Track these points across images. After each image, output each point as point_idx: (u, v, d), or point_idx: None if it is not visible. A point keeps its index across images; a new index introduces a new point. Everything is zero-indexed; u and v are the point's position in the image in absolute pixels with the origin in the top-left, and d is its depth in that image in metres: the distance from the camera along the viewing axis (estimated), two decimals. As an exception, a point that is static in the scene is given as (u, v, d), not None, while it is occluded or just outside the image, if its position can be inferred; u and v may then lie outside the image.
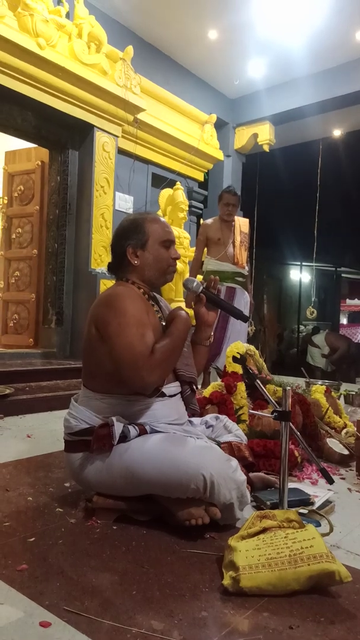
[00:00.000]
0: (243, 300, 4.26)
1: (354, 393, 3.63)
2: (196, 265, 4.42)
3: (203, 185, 6.83)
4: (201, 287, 1.80)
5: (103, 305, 1.66)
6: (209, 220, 4.40)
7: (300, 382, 3.58)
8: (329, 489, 1.95)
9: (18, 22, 3.99)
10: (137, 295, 1.71)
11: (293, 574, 1.21)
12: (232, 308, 1.90)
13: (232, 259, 4.22)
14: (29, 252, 5.07)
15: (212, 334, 1.87)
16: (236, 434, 1.94)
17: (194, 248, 5.88)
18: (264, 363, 3.04)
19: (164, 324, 1.77)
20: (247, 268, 4.31)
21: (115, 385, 1.64)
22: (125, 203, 5.51)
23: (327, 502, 1.84)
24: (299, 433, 1.69)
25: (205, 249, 4.42)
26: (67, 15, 4.49)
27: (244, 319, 1.98)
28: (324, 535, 1.38)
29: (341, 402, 3.34)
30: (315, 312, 7.63)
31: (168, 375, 1.69)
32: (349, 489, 2.10)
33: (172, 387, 1.74)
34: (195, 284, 1.79)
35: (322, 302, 13.70)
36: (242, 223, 4.38)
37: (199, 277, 4.39)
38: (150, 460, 1.53)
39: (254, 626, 1.11)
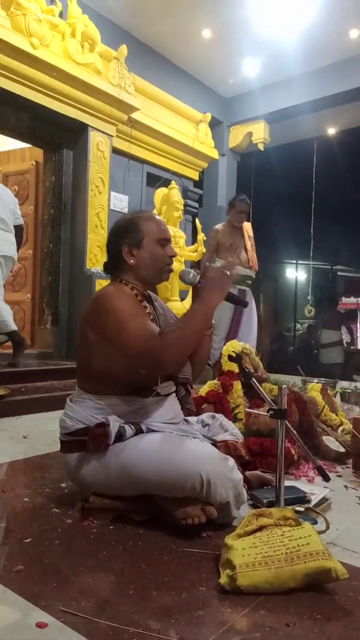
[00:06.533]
0: (251, 301, 4.53)
1: (349, 391, 3.63)
2: None
3: (198, 184, 6.82)
4: (198, 278, 1.78)
5: (95, 308, 1.65)
6: (220, 226, 4.60)
7: (297, 380, 3.58)
8: (325, 487, 1.95)
9: (11, 22, 3.97)
10: (126, 294, 1.69)
11: (289, 571, 1.21)
12: (230, 295, 1.86)
13: (246, 263, 4.48)
14: (24, 253, 5.04)
15: (212, 322, 1.84)
16: (232, 432, 1.94)
17: (189, 247, 5.91)
18: (260, 361, 3.05)
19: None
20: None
21: (109, 385, 1.64)
22: (121, 202, 5.50)
23: (324, 500, 1.85)
24: (295, 431, 1.69)
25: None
26: (61, 15, 4.47)
27: (243, 304, 2.00)
28: (320, 532, 1.38)
29: (337, 399, 3.35)
30: (314, 310, 7.59)
31: (188, 353, 1.65)
32: (345, 487, 2.11)
33: (167, 387, 1.74)
34: (191, 275, 1.77)
35: (318, 300, 13.71)
36: (247, 227, 4.60)
37: None
38: (147, 460, 1.52)
39: (251, 624, 1.11)
